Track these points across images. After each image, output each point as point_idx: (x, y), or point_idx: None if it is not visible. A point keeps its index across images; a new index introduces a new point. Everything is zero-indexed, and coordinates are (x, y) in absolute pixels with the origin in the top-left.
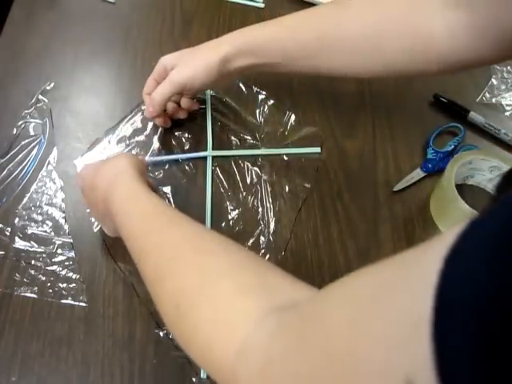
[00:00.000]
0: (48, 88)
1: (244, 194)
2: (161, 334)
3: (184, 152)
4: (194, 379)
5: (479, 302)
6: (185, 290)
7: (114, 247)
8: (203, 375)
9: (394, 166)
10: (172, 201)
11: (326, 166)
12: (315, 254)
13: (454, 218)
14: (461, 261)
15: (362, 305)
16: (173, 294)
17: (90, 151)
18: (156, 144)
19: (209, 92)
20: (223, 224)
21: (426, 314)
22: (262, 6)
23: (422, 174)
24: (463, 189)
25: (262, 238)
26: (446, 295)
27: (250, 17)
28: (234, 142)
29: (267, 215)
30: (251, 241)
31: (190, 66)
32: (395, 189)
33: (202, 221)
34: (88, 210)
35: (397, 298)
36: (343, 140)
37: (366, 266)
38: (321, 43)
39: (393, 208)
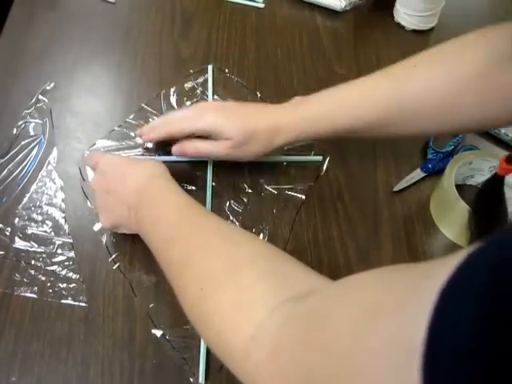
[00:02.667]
0: (48, 88)
1: (243, 194)
2: (157, 334)
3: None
4: (191, 379)
5: (465, 343)
6: (211, 274)
7: (114, 247)
8: (201, 380)
9: (394, 166)
10: None
11: (326, 166)
12: (315, 254)
13: (453, 218)
14: (453, 298)
15: (367, 313)
16: (199, 277)
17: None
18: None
19: (211, 95)
20: None
21: (418, 344)
22: (262, 6)
23: (422, 174)
24: (463, 189)
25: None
26: (437, 329)
27: (250, 17)
28: None
29: (266, 217)
30: None
31: (240, 150)
32: (395, 189)
33: None
34: (89, 204)
35: (397, 317)
36: (344, 140)
37: (379, 269)
38: (386, 123)
39: (393, 208)
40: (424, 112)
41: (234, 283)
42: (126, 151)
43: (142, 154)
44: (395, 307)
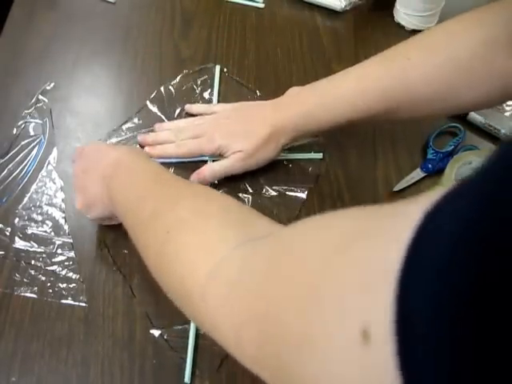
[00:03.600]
0: (48, 88)
1: (244, 194)
2: (156, 334)
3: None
4: (185, 380)
5: (449, 262)
6: (179, 219)
7: (114, 247)
8: (187, 379)
9: (394, 166)
10: None
11: (326, 165)
12: None
13: None
14: (441, 218)
15: (337, 245)
16: (166, 222)
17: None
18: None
19: (216, 96)
20: None
21: (396, 263)
22: (262, 6)
23: (422, 174)
24: None
25: None
26: (418, 248)
27: (250, 17)
28: None
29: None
30: None
31: (253, 159)
32: (395, 189)
33: None
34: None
35: (372, 244)
36: (343, 140)
37: (346, 208)
38: (384, 112)
39: None
40: (419, 100)
41: (199, 227)
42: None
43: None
44: (370, 235)
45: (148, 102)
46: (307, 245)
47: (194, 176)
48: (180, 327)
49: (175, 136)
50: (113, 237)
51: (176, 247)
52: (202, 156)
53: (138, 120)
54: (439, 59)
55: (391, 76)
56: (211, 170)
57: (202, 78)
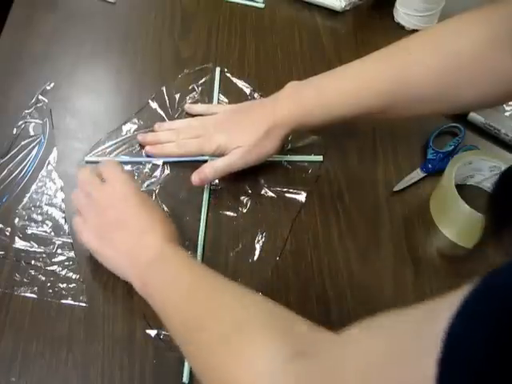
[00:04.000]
0: (48, 88)
1: (244, 196)
2: (152, 334)
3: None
4: (184, 379)
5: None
6: (219, 336)
7: None
8: (185, 379)
9: (394, 166)
10: (173, 199)
11: (327, 166)
12: (315, 255)
13: (453, 218)
14: (460, 332)
15: (372, 366)
16: (207, 339)
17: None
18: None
19: (216, 97)
20: (222, 226)
21: (431, 376)
22: (262, 6)
23: (422, 174)
24: (463, 189)
25: (260, 240)
26: (447, 362)
27: (250, 17)
28: None
29: (266, 218)
30: (250, 242)
31: (253, 154)
32: (395, 189)
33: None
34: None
35: (403, 364)
36: (343, 140)
37: (379, 318)
38: (385, 109)
39: (393, 208)
40: (418, 96)
41: (242, 342)
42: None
43: (139, 151)
44: (400, 356)
45: (150, 101)
46: (346, 366)
47: (195, 175)
48: None
49: (176, 136)
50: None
51: (220, 363)
52: (202, 156)
53: (138, 120)
54: (440, 55)
55: (391, 70)
56: (211, 167)
57: (202, 79)
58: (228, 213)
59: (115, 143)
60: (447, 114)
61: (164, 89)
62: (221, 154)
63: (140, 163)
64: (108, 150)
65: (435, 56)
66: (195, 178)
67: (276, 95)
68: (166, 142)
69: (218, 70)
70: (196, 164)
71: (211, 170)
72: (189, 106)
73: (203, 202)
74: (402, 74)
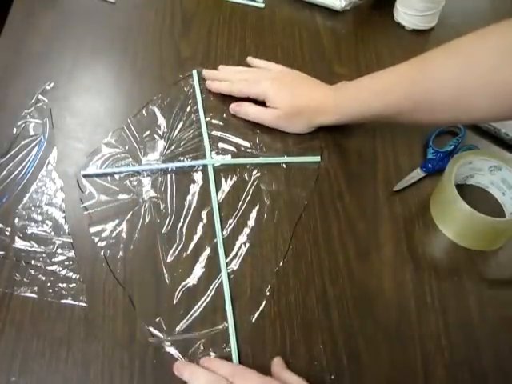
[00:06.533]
0: (48, 88)
1: (243, 200)
2: (152, 335)
3: (178, 160)
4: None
5: None
6: None
7: (114, 260)
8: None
9: (394, 166)
10: (174, 205)
11: (326, 166)
12: (315, 254)
13: (454, 218)
14: None
15: None
16: None
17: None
18: (160, 147)
19: (199, 97)
20: (224, 230)
21: None
22: (262, 6)
23: (422, 174)
24: (463, 189)
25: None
26: None
27: (250, 17)
28: (233, 150)
29: (267, 220)
30: (249, 243)
31: (294, 121)
32: (395, 189)
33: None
34: (85, 212)
35: None
36: (343, 140)
37: None
38: (411, 110)
39: (393, 208)
40: (440, 103)
41: None
42: (123, 155)
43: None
44: None
45: (150, 103)
46: None
47: (234, 105)
48: (178, 327)
49: (232, 75)
50: (112, 249)
51: None
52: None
53: (139, 121)
54: (458, 65)
55: (419, 74)
56: (247, 108)
57: (190, 86)
58: (229, 216)
59: (114, 143)
60: (466, 124)
61: (165, 89)
62: (264, 100)
63: (138, 172)
64: (104, 159)
65: (455, 64)
66: (233, 106)
67: (331, 87)
68: (224, 80)
69: (194, 72)
70: (192, 174)
71: (246, 110)
72: (250, 59)
73: (213, 205)
74: (425, 79)
